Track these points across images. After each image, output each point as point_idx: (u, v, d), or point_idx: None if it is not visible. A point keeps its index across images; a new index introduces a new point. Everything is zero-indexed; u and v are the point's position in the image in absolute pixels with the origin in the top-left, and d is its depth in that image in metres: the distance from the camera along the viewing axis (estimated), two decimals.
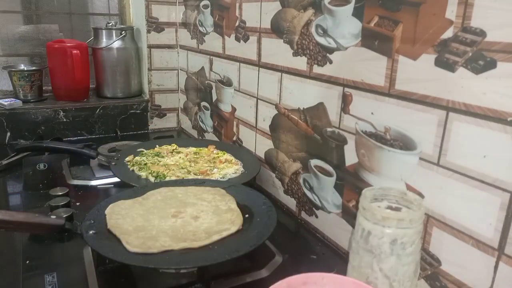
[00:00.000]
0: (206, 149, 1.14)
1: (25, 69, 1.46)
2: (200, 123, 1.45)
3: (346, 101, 0.74)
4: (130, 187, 0.86)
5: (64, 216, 0.74)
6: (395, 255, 0.53)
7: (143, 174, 0.96)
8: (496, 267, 0.51)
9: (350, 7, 0.70)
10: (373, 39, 0.66)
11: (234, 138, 1.21)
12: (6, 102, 1.35)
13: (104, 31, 1.51)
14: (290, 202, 0.96)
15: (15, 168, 1.14)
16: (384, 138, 0.66)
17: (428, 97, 0.57)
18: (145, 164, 1.01)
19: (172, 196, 0.80)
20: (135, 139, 1.37)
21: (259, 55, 1.01)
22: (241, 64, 1.11)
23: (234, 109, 1.20)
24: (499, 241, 0.51)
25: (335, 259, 0.78)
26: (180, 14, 1.52)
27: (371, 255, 0.54)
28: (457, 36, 0.53)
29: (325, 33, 0.77)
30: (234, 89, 1.17)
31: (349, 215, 0.76)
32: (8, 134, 1.35)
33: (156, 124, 1.62)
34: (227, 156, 1.08)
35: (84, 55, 1.45)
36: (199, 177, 0.94)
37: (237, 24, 1.10)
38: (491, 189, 0.51)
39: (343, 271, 0.59)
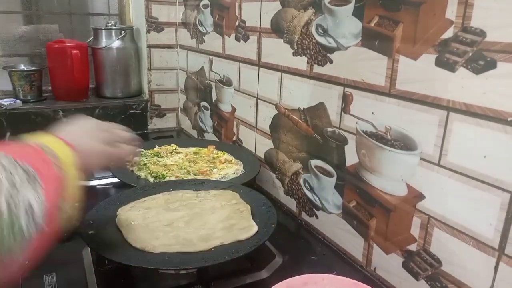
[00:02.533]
0: (206, 149, 1.14)
1: (25, 69, 1.45)
2: (200, 123, 1.45)
3: (346, 101, 0.74)
4: (129, 188, 0.86)
5: None
6: None
7: (142, 174, 0.96)
8: (496, 268, 0.51)
9: (350, 7, 0.70)
10: (373, 39, 0.66)
11: (234, 138, 1.21)
12: (6, 102, 1.35)
13: (103, 31, 1.51)
14: (290, 203, 0.95)
15: None
16: (384, 138, 0.66)
17: (428, 97, 0.57)
18: (145, 164, 1.01)
19: (189, 198, 0.80)
20: None
21: (259, 55, 1.01)
22: (241, 64, 1.11)
23: (234, 109, 1.19)
24: (500, 241, 0.50)
25: (335, 260, 0.78)
26: (180, 14, 1.52)
27: None
28: (457, 36, 0.52)
29: (325, 32, 0.77)
30: (234, 89, 1.17)
31: (350, 215, 0.76)
32: (8, 134, 1.35)
33: (155, 124, 1.62)
34: (227, 156, 1.08)
35: (84, 55, 1.45)
36: (198, 177, 0.94)
37: (237, 23, 1.10)
38: (491, 189, 0.51)
39: (343, 272, 0.59)
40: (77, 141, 0.53)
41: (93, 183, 1.05)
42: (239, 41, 1.09)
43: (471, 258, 0.54)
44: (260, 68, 1.01)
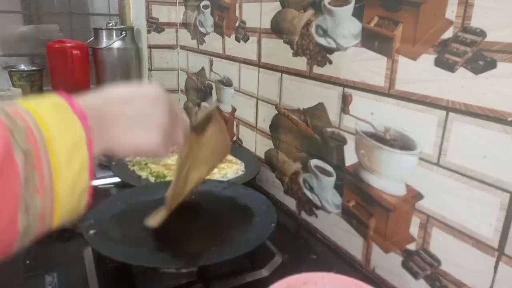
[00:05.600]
0: None
1: (25, 69, 1.46)
2: None
3: (346, 101, 0.74)
4: (130, 187, 0.86)
5: None
6: None
7: (143, 174, 0.96)
8: (496, 267, 0.51)
9: (350, 8, 0.70)
10: (373, 39, 0.66)
11: (234, 138, 1.21)
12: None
13: (104, 31, 1.51)
14: (290, 202, 0.96)
15: None
16: (384, 138, 0.66)
17: (428, 97, 0.58)
18: (146, 164, 1.01)
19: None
20: None
21: (259, 55, 1.01)
22: (241, 64, 1.11)
23: (234, 109, 1.20)
24: (499, 241, 0.51)
25: (335, 259, 0.78)
26: (180, 14, 1.52)
27: None
28: (457, 36, 0.53)
29: (325, 33, 0.77)
30: (234, 89, 1.17)
31: (349, 215, 0.77)
32: None
33: None
34: (227, 156, 1.08)
35: (84, 55, 1.45)
36: None
37: (237, 24, 1.10)
38: (491, 189, 0.51)
39: (343, 271, 0.59)
40: (101, 111, 0.39)
41: (93, 182, 1.05)
42: (239, 42, 1.10)
43: (471, 258, 0.54)
44: (260, 69, 1.01)
